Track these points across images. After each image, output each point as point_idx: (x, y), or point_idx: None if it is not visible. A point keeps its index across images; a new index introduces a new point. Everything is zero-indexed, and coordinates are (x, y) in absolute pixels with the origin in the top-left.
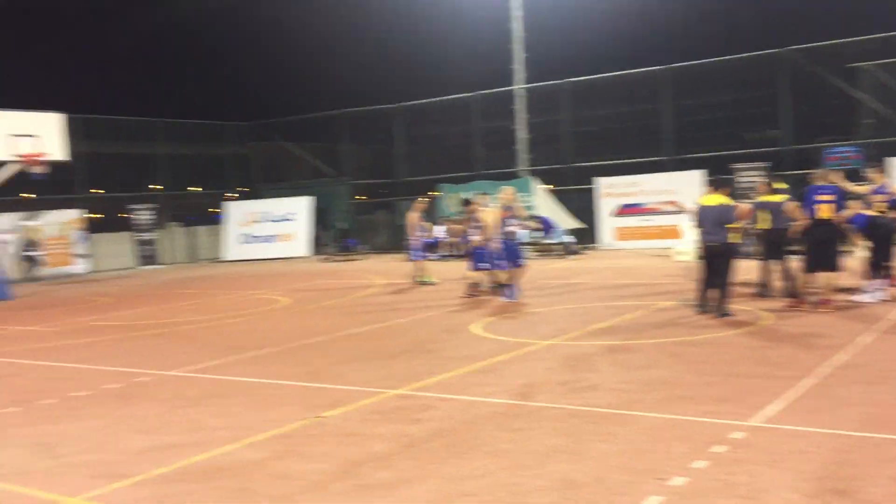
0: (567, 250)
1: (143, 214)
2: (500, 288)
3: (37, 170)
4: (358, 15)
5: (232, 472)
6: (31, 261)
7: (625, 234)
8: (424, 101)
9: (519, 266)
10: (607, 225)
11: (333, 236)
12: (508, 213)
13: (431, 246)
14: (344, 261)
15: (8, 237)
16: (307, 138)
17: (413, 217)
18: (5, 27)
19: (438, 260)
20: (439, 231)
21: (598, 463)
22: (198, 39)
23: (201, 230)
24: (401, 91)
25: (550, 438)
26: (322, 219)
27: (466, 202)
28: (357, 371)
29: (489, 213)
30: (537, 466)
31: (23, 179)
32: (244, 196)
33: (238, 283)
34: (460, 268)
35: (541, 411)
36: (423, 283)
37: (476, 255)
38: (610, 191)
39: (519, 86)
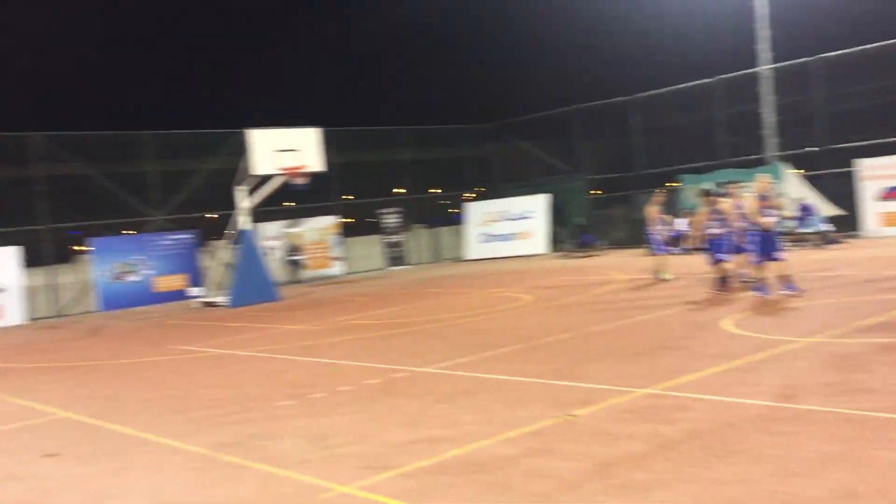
0: (825, 239)
1: (389, 217)
2: (752, 282)
3: (298, 181)
4: (589, 8)
5: (488, 467)
6: (295, 264)
7: (893, 219)
8: (661, 90)
9: (776, 259)
10: (871, 210)
11: (571, 233)
12: (765, 202)
13: (674, 239)
14: (582, 257)
15: (274, 243)
16: (542, 136)
17: (652, 210)
18: (265, 57)
19: (681, 254)
20: (681, 224)
21: (881, 473)
22: (435, 48)
23: (444, 231)
24: (636, 82)
25: (823, 444)
26: (559, 215)
27: (706, 193)
28: (604, 369)
29: (746, 201)
30: (810, 474)
31: (285, 190)
32: (483, 196)
33: (480, 282)
34: (704, 262)
35: (808, 415)
36: (665, 279)
37: (716, 248)
38: (874, 173)
39: (764, 66)
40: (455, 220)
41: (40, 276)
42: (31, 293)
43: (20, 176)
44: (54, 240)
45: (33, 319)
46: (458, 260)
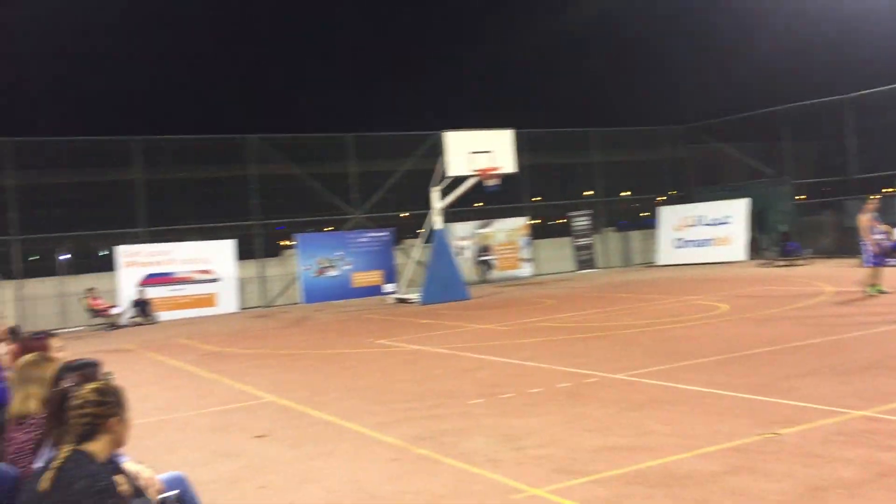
0: None
1: (579, 220)
2: None
3: (490, 182)
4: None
5: (686, 481)
6: (485, 264)
7: None
8: (882, 88)
9: None
10: None
11: (773, 240)
12: None
13: (891, 250)
14: (785, 266)
15: (465, 243)
16: (743, 138)
17: (865, 218)
18: (461, 60)
19: None
20: None
21: None
22: (628, 48)
23: (634, 234)
24: (851, 80)
25: None
26: (760, 221)
27: None
28: (811, 386)
29: None
30: None
31: (477, 191)
32: (677, 200)
33: (674, 288)
34: None
35: None
36: (878, 292)
37: None
38: None
39: None
40: (647, 224)
41: (251, 268)
42: (243, 284)
43: (237, 175)
44: (264, 234)
45: (243, 308)
46: (650, 265)
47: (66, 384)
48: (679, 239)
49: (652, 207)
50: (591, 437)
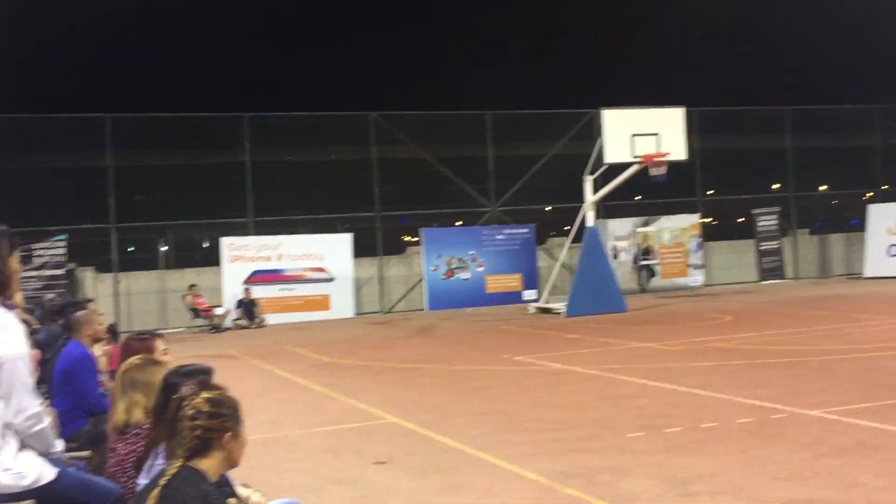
0: None
1: (765, 220)
2: None
3: (656, 171)
4: None
5: None
6: (646, 270)
7: None
8: None
9: None
10: None
11: None
12: None
13: None
14: None
15: (623, 244)
16: None
17: None
18: (618, 29)
19: None
20: None
21: None
22: (827, 8)
23: (834, 238)
24: None
25: None
26: None
27: None
28: None
29: None
30: None
31: (638, 181)
32: (891, 197)
33: (887, 307)
34: None
35: None
36: None
37: None
38: None
39: None
40: (852, 226)
41: (370, 267)
42: (360, 285)
43: (356, 158)
44: (385, 228)
45: (360, 314)
46: (855, 276)
47: (182, 391)
48: (894, 245)
49: (859, 205)
50: (781, 487)
